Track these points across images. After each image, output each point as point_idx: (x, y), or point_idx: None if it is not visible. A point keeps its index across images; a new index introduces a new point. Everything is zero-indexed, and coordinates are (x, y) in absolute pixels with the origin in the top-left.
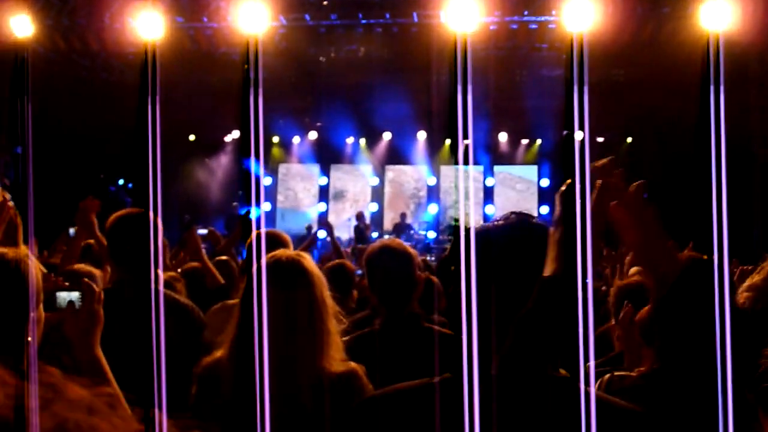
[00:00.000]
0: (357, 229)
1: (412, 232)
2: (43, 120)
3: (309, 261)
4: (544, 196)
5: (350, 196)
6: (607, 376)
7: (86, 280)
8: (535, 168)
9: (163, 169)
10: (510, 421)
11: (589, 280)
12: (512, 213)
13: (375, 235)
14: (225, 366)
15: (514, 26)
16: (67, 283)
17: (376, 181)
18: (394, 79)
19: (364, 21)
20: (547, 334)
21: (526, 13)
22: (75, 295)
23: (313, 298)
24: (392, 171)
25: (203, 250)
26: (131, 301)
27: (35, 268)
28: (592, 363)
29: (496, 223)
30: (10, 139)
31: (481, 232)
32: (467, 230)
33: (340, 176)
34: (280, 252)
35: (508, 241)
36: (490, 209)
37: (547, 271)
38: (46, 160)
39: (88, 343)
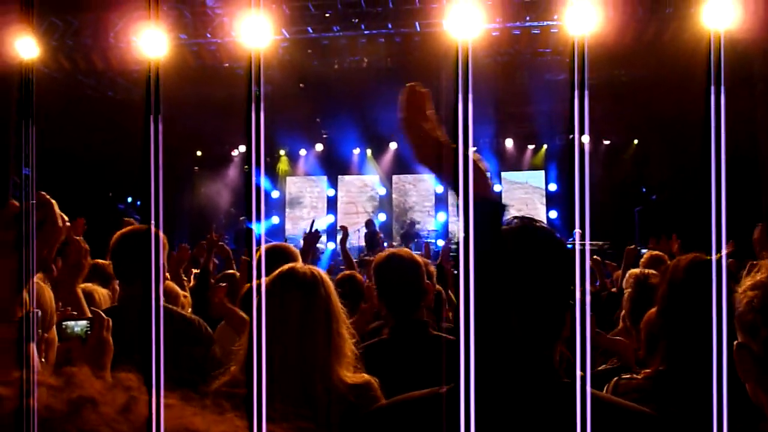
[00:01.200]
0: (367, 236)
1: (420, 240)
2: (50, 140)
3: (322, 272)
4: (551, 200)
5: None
6: (614, 379)
7: (94, 309)
8: (527, 173)
9: (171, 184)
10: (522, 428)
11: (587, 285)
12: (515, 218)
13: (385, 244)
14: (239, 379)
15: (517, 32)
16: (75, 313)
17: (383, 190)
18: (399, 89)
19: (366, 32)
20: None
21: (527, 18)
22: (83, 324)
23: (328, 307)
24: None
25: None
26: (137, 318)
27: (47, 289)
28: (588, 367)
29: (501, 228)
30: (18, 161)
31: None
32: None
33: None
34: (295, 264)
35: (512, 245)
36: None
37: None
38: (54, 179)
39: (97, 372)
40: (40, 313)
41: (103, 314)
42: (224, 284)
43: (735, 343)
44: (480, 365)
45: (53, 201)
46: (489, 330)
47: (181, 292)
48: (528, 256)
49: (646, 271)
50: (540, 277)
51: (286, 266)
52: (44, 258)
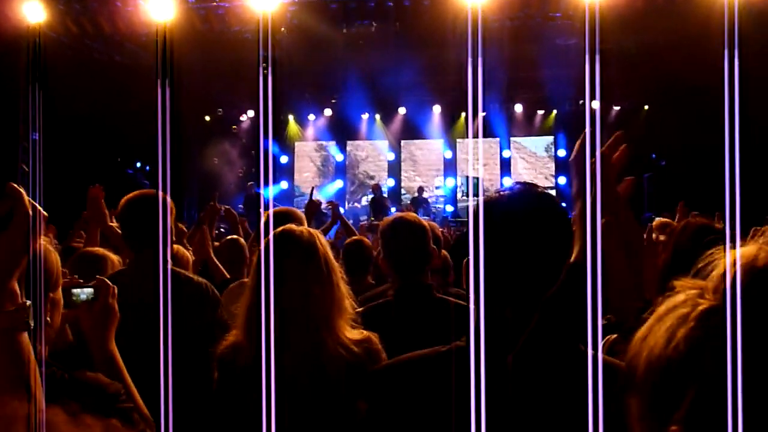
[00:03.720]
0: (373, 201)
1: (428, 205)
2: (58, 105)
3: (316, 232)
4: (561, 166)
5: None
6: (614, 336)
7: (99, 277)
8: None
9: (180, 150)
10: (536, 395)
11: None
12: (517, 183)
13: (393, 210)
14: (242, 344)
15: None
16: (81, 280)
17: (392, 156)
18: (408, 54)
19: None
20: (574, 316)
21: None
22: (89, 291)
23: (327, 262)
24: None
25: (210, 242)
26: (144, 282)
27: (53, 252)
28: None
29: (501, 193)
30: (27, 126)
31: (486, 204)
32: (476, 202)
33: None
34: (289, 225)
35: (514, 210)
36: (507, 181)
37: (573, 254)
38: (62, 145)
39: (103, 339)
40: (29, 303)
41: (108, 281)
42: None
43: None
44: (485, 327)
45: (22, 190)
46: (494, 294)
47: (191, 256)
48: (529, 220)
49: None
50: (541, 240)
51: (281, 228)
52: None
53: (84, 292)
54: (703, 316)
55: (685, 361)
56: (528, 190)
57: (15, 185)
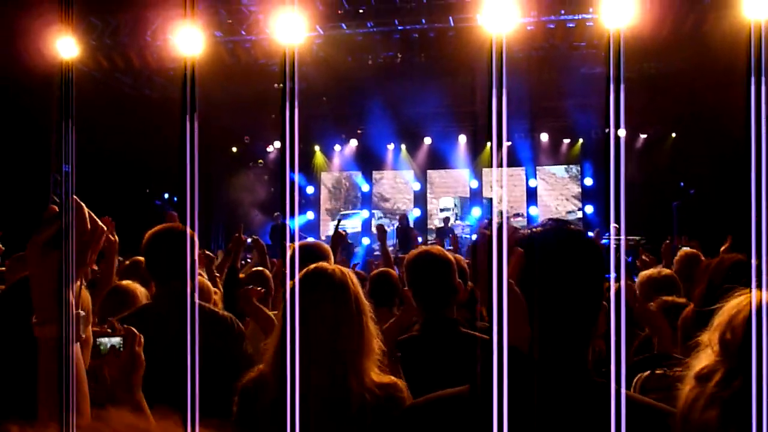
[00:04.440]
0: (399, 231)
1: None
2: (89, 137)
3: (347, 270)
4: (588, 195)
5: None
6: (647, 373)
7: (127, 326)
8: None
9: (207, 181)
10: (552, 426)
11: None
12: (549, 219)
13: (419, 239)
14: (269, 378)
15: (551, 26)
16: (109, 330)
17: (417, 186)
18: (433, 84)
19: (400, 27)
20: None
21: (562, 12)
22: (116, 341)
23: (357, 303)
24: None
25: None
26: (170, 316)
27: (84, 290)
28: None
29: (534, 230)
30: (59, 158)
31: (520, 241)
32: (498, 231)
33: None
34: (322, 263)
35: (547, 248)
36: (534, 210)
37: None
38: (93, 176)
39: (129, 387)
40: (83, 313)
41: (135, 330)
42: (258, 288)
43: None
44: (512, 365)
45: (82, 203)
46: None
47: (213, 288)
48: (561, 257)
49: (664, 299)
50: (573, 277)
51: (312, 265)
52: (83, 261)
53: (111, 341)
54: None
55: None
56: (561, 227)
57: (77, 198)
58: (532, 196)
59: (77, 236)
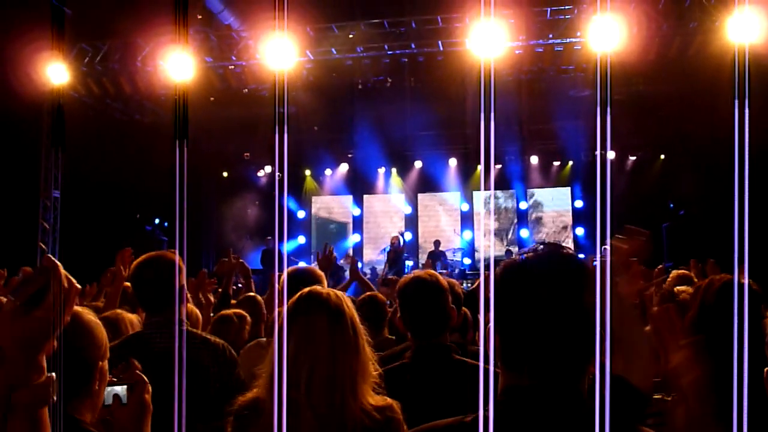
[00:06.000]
0: (391, 254)
1: (446, 259)
2: (80, 163)
3: (342, 294)
4: (578, 217)
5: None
6: None
7: (137, 372)
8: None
9: (198, 205)
10: None
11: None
12: (541, 243)
13: (410, 263)
14: (263, 403)
15: (540, 49)
16: (115, 379)
17: (408, 209)
18: (423, 108)
19: (390, 52)
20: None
21: (550, 36)
22: (121, 389)
23: (353, 326)
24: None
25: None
26: (162, 344)
27: (98, 323)
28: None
29: (527, 255)
30: (49, 184)
31: (511, 266)
32: (494, 260)
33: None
34: (315, 287)
35: (540, 273)
36: (524, 233)
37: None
38: (84, 201)
39: None
40: (54, 378)
41: (144, 377)
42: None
43: (766, 370)
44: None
45: (58, 263)
46: (515, 358)
47: (201, 314)
48: (554, 283)
49: (677, 288)
50: (567, 304)
51: (306, 289)
52: (59, 322)
53: (115, 390)
54: None
55: None
56: (553, 252)
57: (51, 257)
58: (523, 218)
59: (54, 297)
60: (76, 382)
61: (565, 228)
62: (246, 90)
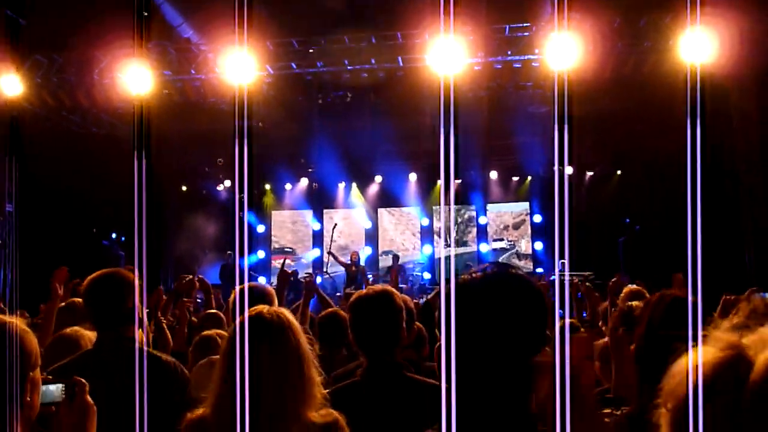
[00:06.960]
0: (348, 269)
1: (406, 274)
2: (35, 176)
3: (290, 315)
4: (537, 232)
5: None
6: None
7: (77, 377)
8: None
9: (157, 219)
10: None
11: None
12: (491, 263)
13: (370, 277)
14: (209, 422)
15: (498, 66)
16: (50, 377)
17: (369, 224)
18: (384, 123)
19: (350, 67)
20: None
21: (509, 53)
22: (58, 387)
23: (297, 351)
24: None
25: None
26: (112, 362)
27: (29, 332)
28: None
29: (474, 275)
30: (2, 197)
31: (461, 286)
32: (450, 279)
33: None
34: (261, 307)
35: (489, 294)
36: (484, 247)
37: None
38: (39, 216)
39: None
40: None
41: (83, 380)
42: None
43: None
44: (458, 413)
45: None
46: (468, 378)
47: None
48: (504, 304)
49: (633, 303)
50: (516, 324)
51: (252, 310)
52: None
53: (50, 389)
54: None
55: None
56: (503, 273)
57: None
58: (482, 233)
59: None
60: (4, 395)
61: (506, 228)
62: (205, 103)
